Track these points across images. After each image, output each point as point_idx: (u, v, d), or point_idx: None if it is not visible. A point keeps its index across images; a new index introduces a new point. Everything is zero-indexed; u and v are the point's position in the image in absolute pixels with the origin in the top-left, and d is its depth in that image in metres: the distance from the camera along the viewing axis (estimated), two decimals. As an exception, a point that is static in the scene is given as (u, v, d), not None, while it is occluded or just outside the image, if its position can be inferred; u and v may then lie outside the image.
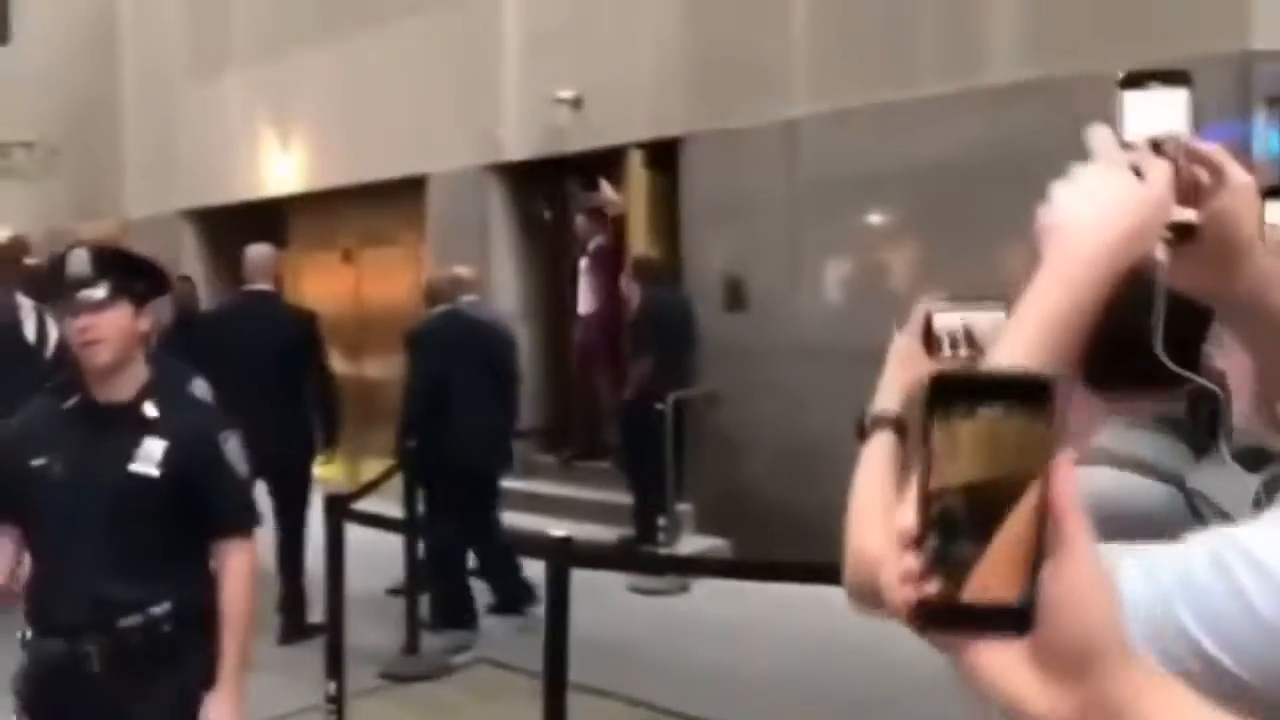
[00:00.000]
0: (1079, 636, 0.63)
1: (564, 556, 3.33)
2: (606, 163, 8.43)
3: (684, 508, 7.40)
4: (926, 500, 0.63)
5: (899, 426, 1.37)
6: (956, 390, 0.63)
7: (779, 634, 5.40)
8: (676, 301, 7.46)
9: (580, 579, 3.48)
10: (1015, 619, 0.63)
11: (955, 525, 0.63)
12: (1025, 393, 0.63)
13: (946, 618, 0.63)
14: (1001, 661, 0.64)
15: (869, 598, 1.19)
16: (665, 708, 4.88)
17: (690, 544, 7.29)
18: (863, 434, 1.39)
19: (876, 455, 1.35)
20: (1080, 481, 1.09)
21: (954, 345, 1.38)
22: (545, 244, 9.13)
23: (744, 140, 7.34)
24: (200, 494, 2.55)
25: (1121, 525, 1.09)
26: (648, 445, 7.03)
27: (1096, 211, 0.94)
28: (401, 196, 9.67)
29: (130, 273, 2.57)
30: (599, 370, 8.26)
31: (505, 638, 5.78)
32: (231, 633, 2.54)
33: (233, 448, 2.61)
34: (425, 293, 6.71)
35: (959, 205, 6.42)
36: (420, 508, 5.91)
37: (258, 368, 5.80)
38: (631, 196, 8.41)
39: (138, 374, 2.57)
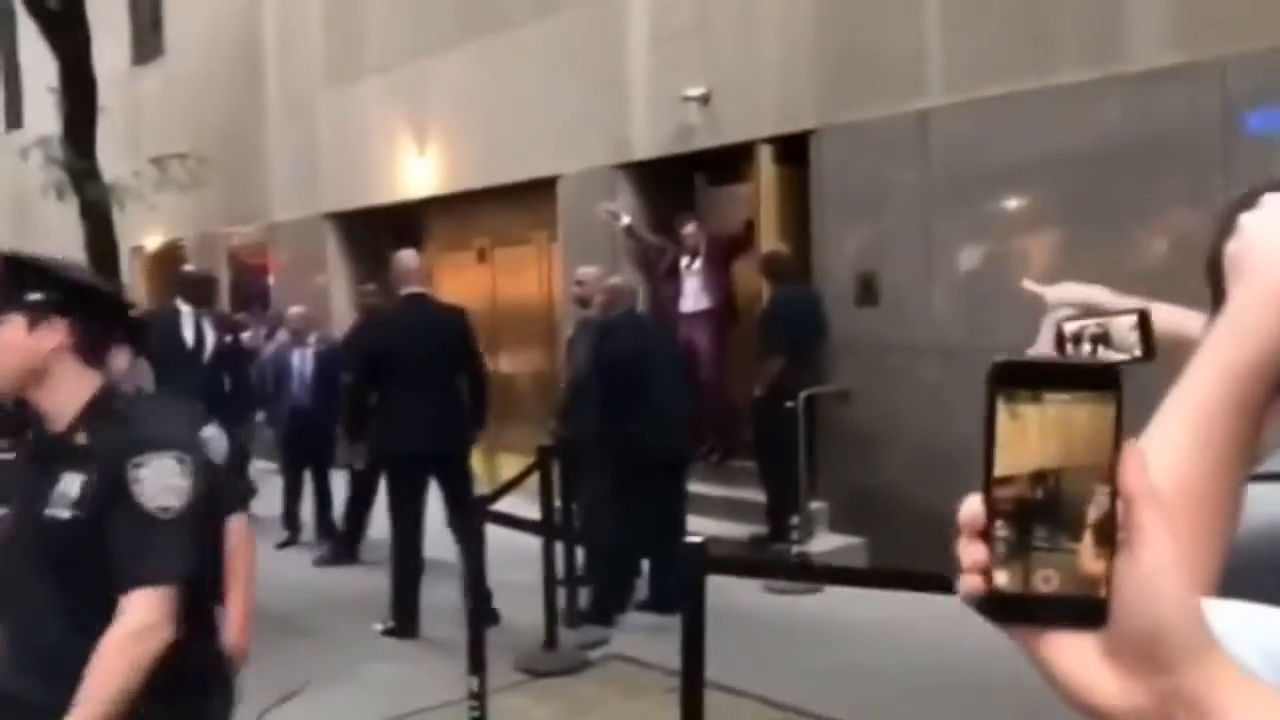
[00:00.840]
0: (1153, 629, 0.61)
1: (701, 563, 3.37)
2: (736, 159, 8.43)
3: (818, 505, 7.36)
4: (992, 488, 0.63)
5: None
6: (1023, 376, 0.63)
7: (913, 636, 5.33)
8: (807, 297, 7.42)
9: (714, 576, 3.52)
10: (1088, 611, 0.62)
11: (1024, 514, 0.62)
12: (1093, 381, 0.62)
13: (1017, 609, 0.63)
14: (1074, 654, 0.63)
15: None
16: (798, 707, 4.88)
17: (824, 542, 7.25)
18: None
19: None
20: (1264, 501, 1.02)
21: (1086, 347, 1.37)
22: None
23: (875, 132, 7.25)
24: (105, 537, 2.04)
25: None
26: (780, 443, 7.01)
27: None
28: (533, 197, 9.83)
29: (18, 282, 2.10)
30: (705, 369, 8.24)
31: (640, 635, 5.85)
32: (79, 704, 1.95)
33: (149, 474, 2.04)
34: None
35: (1098, 196, 6.23)
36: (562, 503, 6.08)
37: (425, 368, 6.07)
38: (762, 192, 8.39)
39: (73, 397, 2.11)
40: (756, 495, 7.47)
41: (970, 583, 0.63)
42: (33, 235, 16.46)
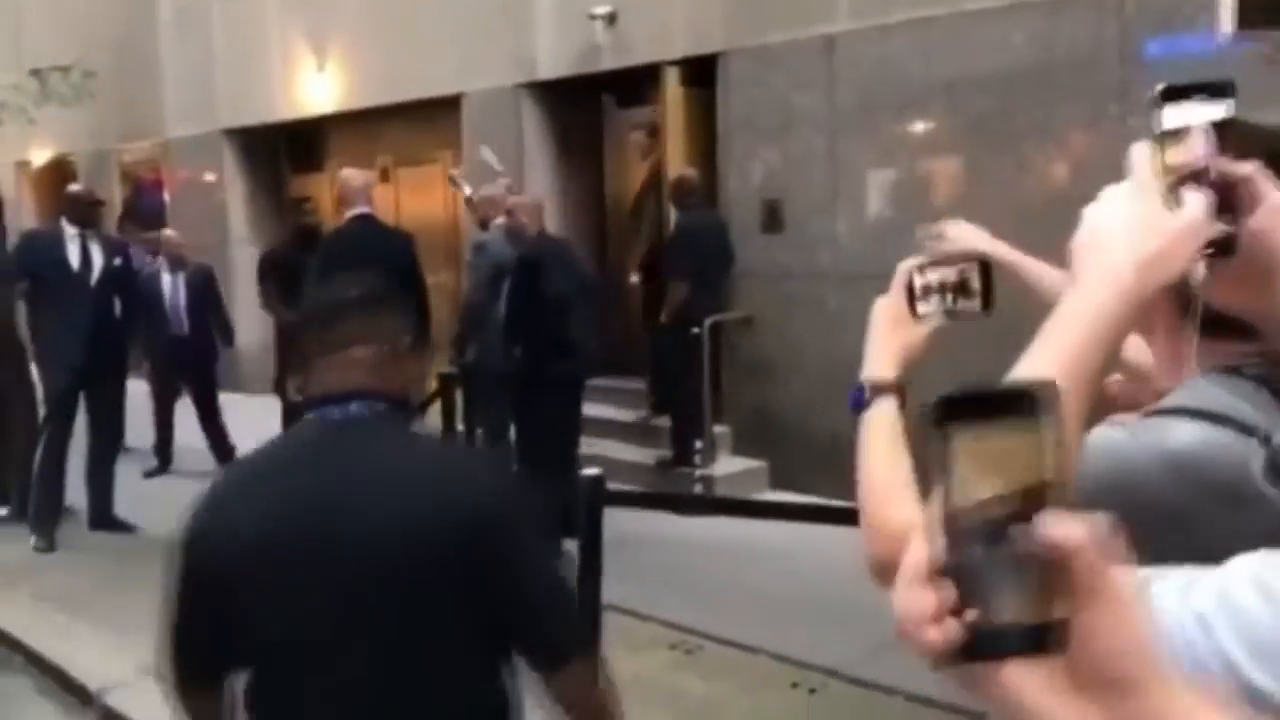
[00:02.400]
0: (1111, 657, 0.63)
1: (599, 496, 3.38)
2: (643, 80, 8.31)
3: (721, 430, 7.43)
4: (944, 524, 0.63)
5: (898, 392, 1.34)
6: (962, 408, 0.62)
7: (806, 559, 5.40)
8: (713, 223, 7.39)
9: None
10: (1047, 638, 0.62)
11: (975, 546, 0.62)
12: (1030, 405, 0.62)
13: (980, 646, 0.63)
14: (1033, 681, 0.63)
15: (892, 573, 1.17)
16: (695, 629, 4.95)
17: (726, 465, 7.34)
18: (856, 407, 1.34)
19: (882, 423, 1.31)
20: (1157, 432, 1.13)
21: (943, 299, 1.37)
22: (579, 163, 9.06)
23: (782, 56, 7.20)
24: None
25: (1197, 481, 1.09)
26: (684, 368, 7.04)
27: (1126, 233, 0.94)
28: (437, 115, 9.62)
29: None
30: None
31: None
32: None
33: None
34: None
35: (1002, 121, 6.29)
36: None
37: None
38: (668, 114, 8.29)
39: None
40: (662, 420, 7.51)
41: (930, 635, 0.63)
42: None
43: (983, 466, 0.62)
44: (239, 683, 1.83)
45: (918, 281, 1.37)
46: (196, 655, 1.83)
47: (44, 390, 6.83)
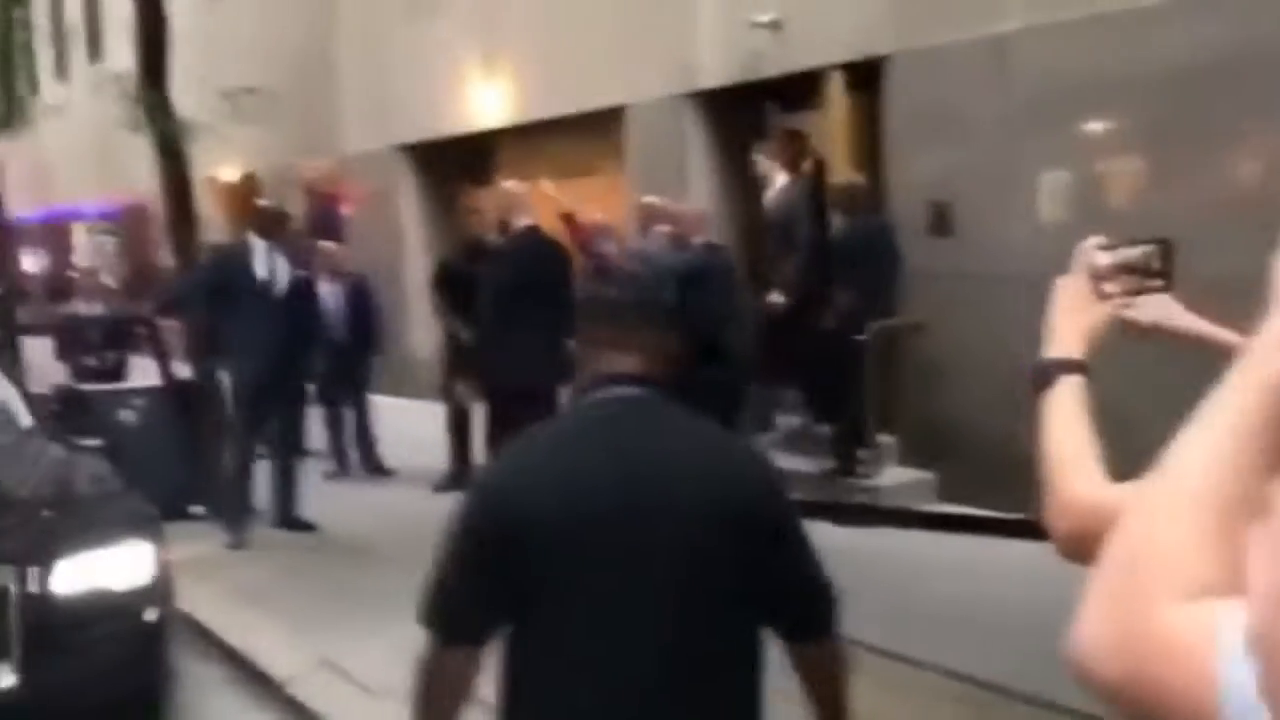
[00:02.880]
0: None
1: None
2: (807, 86, 8.24)
3: (886, 440, 7.29)
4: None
5: (1083, 370, 1.33)
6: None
7: (978, 570, 5.26)
8: (879, 228, 7.28)
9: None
10: None
11: None
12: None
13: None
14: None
15: (1084, 546, 1.15)
16: (862, 642, 4.86)
17: (892, 476, 7.19)
18: (1039, 384, 1.34)
19: (1068, 400, 1.31)
20: None
21: (1128, 281, 1.37)
22: (741, 170, 9.03)
23: (951, 58, 7.03)
24: None
25: None
26: (849, 376, 6.94)
27: None
28: (601, 127, 9.75)
29: None
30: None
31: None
32: None
33: None
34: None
35: (1184, 121, 5.99)
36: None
37: (541, 303, 6.08)
38: (833, 120, 8.20)
39: None
40: (824, 429, 7.42)
41: None
42: (114, 166, 16.80)
43: None
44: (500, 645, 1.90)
45: (1100, 262, 1.37)
46: (471, 611, 1.88)
47: (233, 397, 7.20)
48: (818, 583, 1.97)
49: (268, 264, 6.93)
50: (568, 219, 7.57)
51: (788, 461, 7.45)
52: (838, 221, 7.57)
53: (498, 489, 1.93)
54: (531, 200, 6.73)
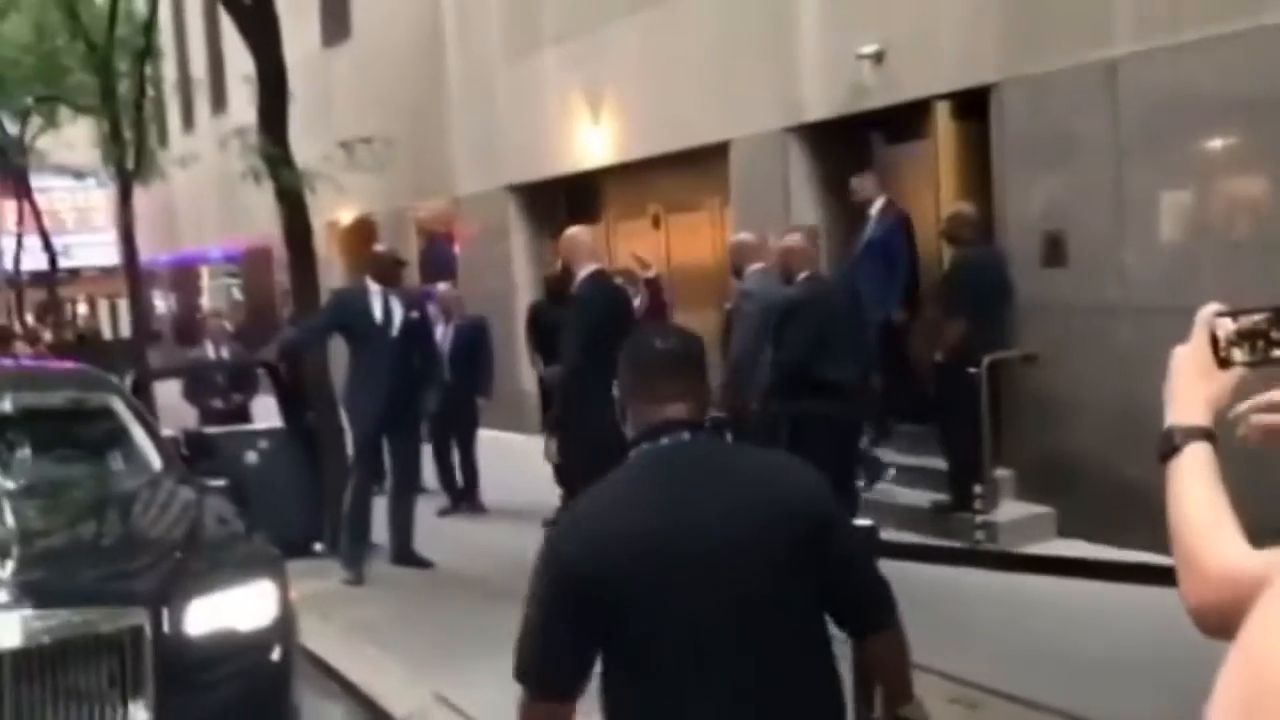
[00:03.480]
0: None
1: (871, 547, 3.32)
2: (912, 116, 8.18)
3: (1003, 473, 7.15)
4: None
5: (1210, 438, 1.31)
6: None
7: (1100, 611, 5.10)
8: (991, 258, 7.16)
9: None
10: None
11: None
12: None
13: None
14: None
15: (1229, 619, 1.10)
16: (978, 683, 4.76)
17: (1009, 510, 7.04)
18: (1165, 453, 1.32)
19: (1198, 466, 1.28)
20: None
21: (1252, 348, 1.33)
22: (847, 202, 8.99)
23: (1060, 84, 6.91)
24: None
25: None
26: (962, 409, 6.82)
27: None
28: (706, 162, 9.81)
29: None
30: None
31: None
32: None
33: None
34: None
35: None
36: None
37: (611, 348, 6.15)
38: (940, 149, 8.13)
39: None
40: (939, 462, 7.31)
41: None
42: (238, 211, 17.46)
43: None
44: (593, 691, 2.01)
45: (1221, 330, 1.34)
46: (560, 664, 1.98)
47: (352, 436, 7.40)
48: (877, 578, 2.16)
49: (383, 307, 7.12)
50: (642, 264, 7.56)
51: (905, 496, 7.38)
52: (947, 253, 7.48)
53: (576, 540, 2.01)
54: (594, 244, 6.71)
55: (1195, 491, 1.26)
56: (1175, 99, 6.32)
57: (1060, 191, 6.99)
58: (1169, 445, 1.32)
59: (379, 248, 7.85)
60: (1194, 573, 1.20)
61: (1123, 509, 5.95)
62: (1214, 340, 1.34)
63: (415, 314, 7.27)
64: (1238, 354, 1.33)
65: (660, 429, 2.06)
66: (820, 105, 8.65)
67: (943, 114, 7.98)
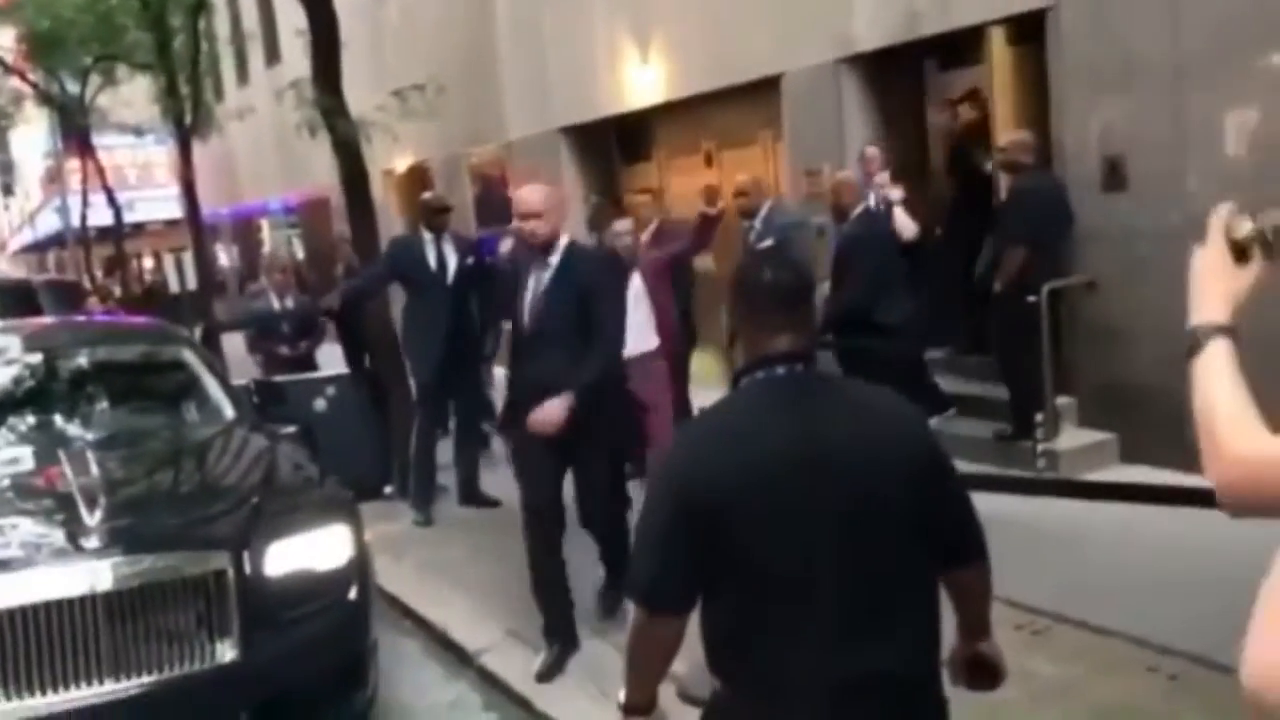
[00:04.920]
0: None
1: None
2: (967, 42, 8.04)
3: (1064, 401, 7.11)
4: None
5: (1232, 333, 1.38)
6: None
7: (1161, 536, 5.09)
8: (1049, 185, 7.06)
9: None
10: None
11: None
12: None
13: None
14: None
15: (1253, 500, 1.20)
16: (1044, 610, 4.80)
17: (1071, 438, 7.02)
18: (1190, 351, 1.40)
19: (1223, 361, 1.36)
20: None
21: (1257, 243, 1.40)
22: (901, 132, 8.88)
23: (1118, 4, 6.75)
24: None
25: None
26: (1022, 338, 6.78)
27: None
28: (758, 97, 9.72)
29: None
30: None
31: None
32: None
33: None
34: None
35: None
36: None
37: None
38: (995, 75, 7.99)
39: None
40: (1000, 391, 7.28)
41: None
42: (295, 162, 17.64)
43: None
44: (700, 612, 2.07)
45: (1236, 228, 1.41)
46: (672, 582, 2.04)
47: (414, 381, 7.54)
48: (971, 512, 2.17)
49: (437, 254, 7.20)
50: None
51: (965, 426, 7.37)
52: (1004, 180, 7.39)
53: (687, 466, 2.07)
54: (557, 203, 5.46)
55: (1218, 383, 1.34)
56: (1238, 16, 6.15)
57: (1120, 115, 6.86)
58: (1192, 343, 1.39)
59: (426, 195, 7.91)
60: (1220, 460, 1.29)
61: (1185, 433, 5.90)
62: (1230, 238, 1.40)
63: (470, 260, 7.34)
64: (1251, 251, 1.39)
65: (770, 360, 2.10)
66: (873, 35, 8.53)
67: (998, 39, 7.82)
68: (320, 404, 7.56)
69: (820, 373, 2.17)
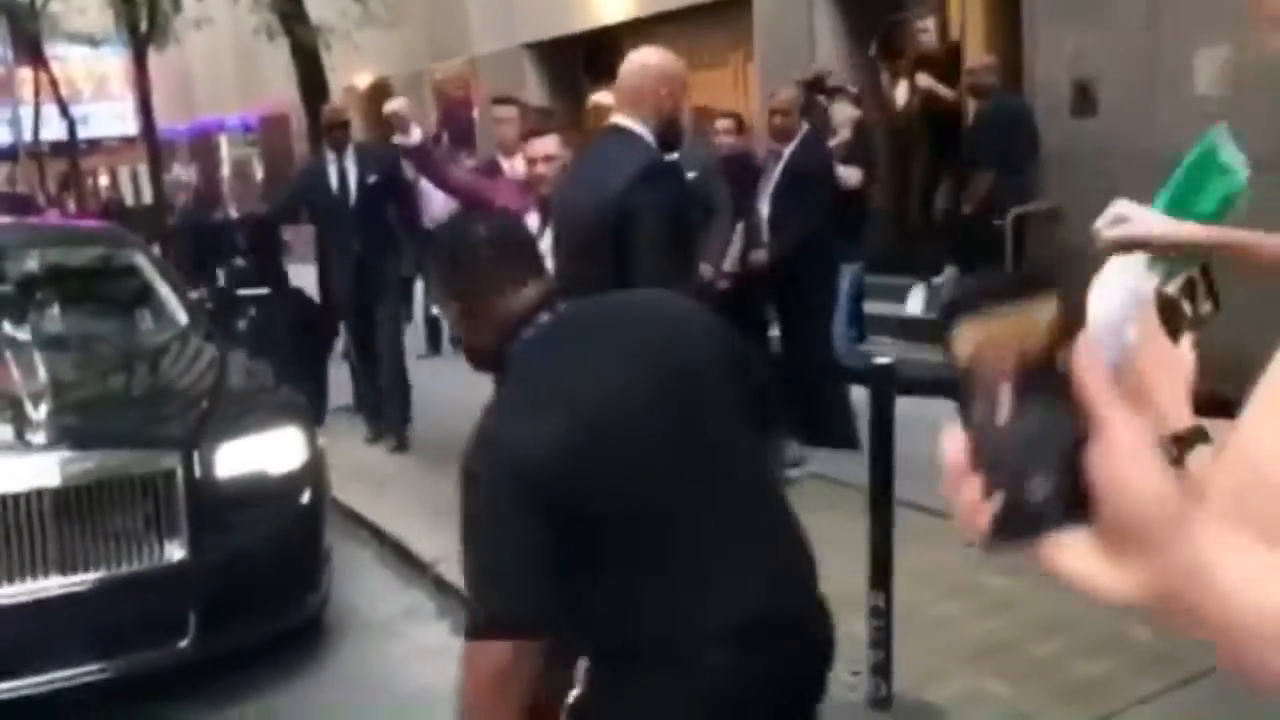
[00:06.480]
0: (1132, 514, 0.62)
1: (887, 383, 3.36)
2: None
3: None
4: (968, 417, 0.65)
5: (1205, 435, 1.06)
6: (969, 303, 0.65)
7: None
8: (1016, 109, 7.02)
9: (910, 401, 3.51)
10: (1068, 510, 0.63)
11: (999, 432, 0.64)
12: (1026, 285, 0.64)
13: (1020, 527, 0.64)
14: (1075, 552, 0.64)
15: None
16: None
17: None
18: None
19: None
20: None
21: (1182, 313, 1.32)
22: (872, 61, 8.79)
23: (1095, -75, 6.67)
24: None
25: None
26: (986, 262, 6.78)
27: None
28: (729, 18, 9.58)
29: None
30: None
31: (839, 456, 5.85)
32: None
33: None
34: None
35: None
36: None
37: None
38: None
39: None
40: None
41: (974, 520, 0.65)
42: (254, 78, 17.26)
43: (996, 346, 0.64)
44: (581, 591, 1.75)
45: (1157, 304, 1.29)
46: (548, 585, 1.69)
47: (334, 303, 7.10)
48: (778, 389, 2.16)
49: (338, 173, 6.68)
50: None
51: (917, 351, 7.38)
52: (972, 105, 7.34)
53: (515, 448, 1.74)
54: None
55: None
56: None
57: (1092, 38, 6.81)
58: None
59: (324, 108, 7.28)
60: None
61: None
62: (1163, 318, 1.14)
63: (373, 178, 6.64)
64: (1194, 302, 1.35)
65: (527, 316, 1.88)
66: (846, -47, 8.40)
67: (972, -39, 7.73)
68: (240, 324, 7.20)
69: (580, 301, 1.97)
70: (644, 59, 3.21)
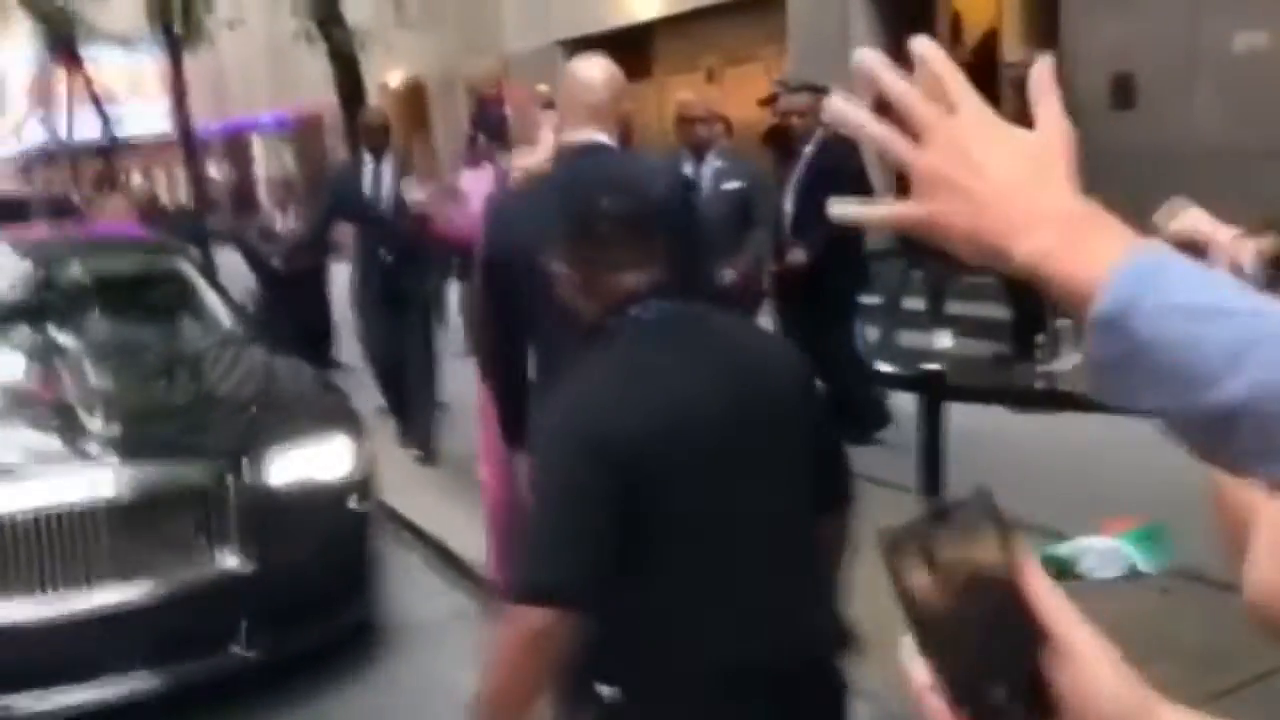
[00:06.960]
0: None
1: (937, 390, 3.35)
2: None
3: (1064, 323, 7.06)
4: (925, 641, 0.66)
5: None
6: (907, 539, 0.66)
7: (1156, 458, 5.09)
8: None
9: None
10: (1026, 713, 0.65)
11: (959, 660, 0.65)
12: (972, 513, 0.66)
13: None
14: None
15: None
16: (1041, 526, 4.82)
17: (1071, 360, 6.99)
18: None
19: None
20: None
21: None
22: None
23: (1134, -84, 6.60)
24: None
25: None
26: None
27: None
28: (762, 13, 9.55)
29: None
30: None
31: (884, 454, 5.83)
32: None
33: None
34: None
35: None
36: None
37: None
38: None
39: None
40: (1002, 312, 7.25)
41: None
42: (288, 78, 17.38)
43: (945, 571, 0.65)
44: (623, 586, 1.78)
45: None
46: (598, 561, 1.74)
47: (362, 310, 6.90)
48: (843, 448, 2.05)
49: (374, 180, 6.52)
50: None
51: (966, 347, 7.35)
52: (1010, 98, 7.29)
53: (594, 425, 1.79)
54: None
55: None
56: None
57: (1131, 31, 6.75)
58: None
59: (363, 110, 7.24)
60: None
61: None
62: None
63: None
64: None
65: (629, 300, 1.89)
66: (880, -53, 8.36)
67: (1009, -47, 7.67)
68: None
69: (682, 308, 1.94)
70: (608, 71, 2.96)
